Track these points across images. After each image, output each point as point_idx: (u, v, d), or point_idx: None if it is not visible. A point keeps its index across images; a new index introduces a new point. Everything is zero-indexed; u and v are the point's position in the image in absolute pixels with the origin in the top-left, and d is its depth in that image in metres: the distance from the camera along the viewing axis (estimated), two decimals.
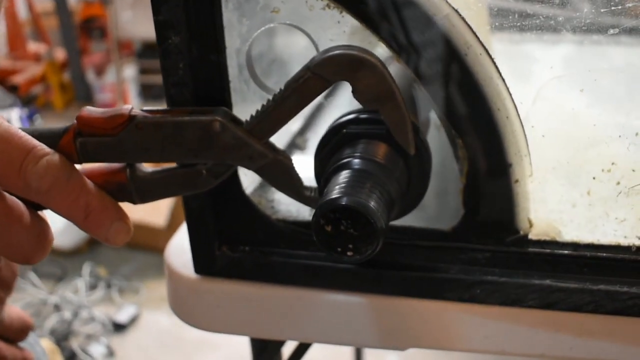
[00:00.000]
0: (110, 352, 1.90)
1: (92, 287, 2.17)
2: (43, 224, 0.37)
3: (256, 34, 0.41)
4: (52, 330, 1.93)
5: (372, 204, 0.35)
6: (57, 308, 2.05)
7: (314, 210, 0.36)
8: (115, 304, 2.11)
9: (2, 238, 0.35)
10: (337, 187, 0.36)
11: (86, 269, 2.20)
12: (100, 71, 3.74)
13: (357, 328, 0.44)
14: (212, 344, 1.92)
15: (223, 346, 1.90)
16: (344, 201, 0.34)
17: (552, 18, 0.40)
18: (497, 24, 0.42)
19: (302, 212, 0.47)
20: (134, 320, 2.04)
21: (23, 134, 0.35)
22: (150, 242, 2.25)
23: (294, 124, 0.65)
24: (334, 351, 1.72)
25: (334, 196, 0.35)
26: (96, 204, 0.37)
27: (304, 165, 0.53)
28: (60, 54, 3.86)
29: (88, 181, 0.37)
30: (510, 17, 0.41)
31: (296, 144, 0.63)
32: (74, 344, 1.90)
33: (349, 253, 0.36)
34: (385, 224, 0.35)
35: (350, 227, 0.37)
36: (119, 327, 2.00)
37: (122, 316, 2.03)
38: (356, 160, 0.38)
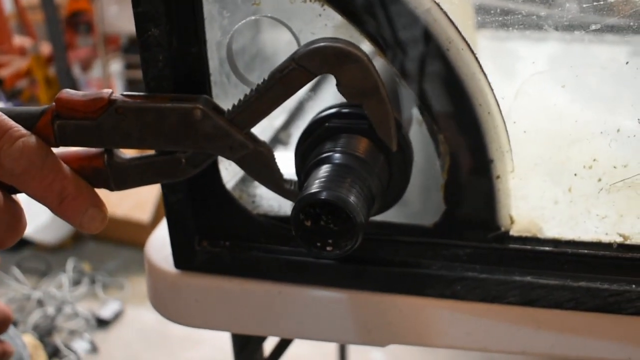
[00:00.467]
0: (94, 348, 1.89)
1: (76, 282, 2.15)
2: (16, 208, 0.36)
3: (237, 27, 0.40)
4: (35, 326, 1.92)
5: (351, 198, 0.34)
6: (40, 303, 2.03)
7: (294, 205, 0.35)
8: (99, 300, 2.09)
9: None
10: (317, 181, 0.36)
11: (70, 264, 2.18)
12: (86, 66, 3.71)
13: (337, 324, 0.44)
14: (196, 340, 1.91)
15: (207, 342, 1.90)
16: (323, 195, 0.34)
17: (535, 15, 0.40)
18: (480, 19, 0.42)
19: (284, 207, 0.47)
20: (117, 316, 2.03)
21: (2, 115, 0.34)
22: (134, 238, 2.23)
23: (278, 119, 0.65)
24: (319, 349, 1.72)
25: (313, 190, 0.35)
26: (71, 189, 0.36)
27: (287, 161, 0.53)
28: (45, 48, 3.82)
29: (64, 166, 0.36)
30: (493, 12, 0.41)
31: (279, 138, 0.62)
32: (57, 339, 1.89)
33: (328, 248, 0.36)
34: (365, 219, 0.35)
35: (330, 222, 0.36)
36: (102, 323, 1.99)
37: (106, 312, 2.01)
38: (337, 155, 0.38)
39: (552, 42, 0.40)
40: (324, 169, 0.37)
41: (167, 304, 0.48)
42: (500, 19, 0.41)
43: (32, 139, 0.35)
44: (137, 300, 2.10)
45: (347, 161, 0.37)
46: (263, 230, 0.44)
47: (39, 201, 0.36)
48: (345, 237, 0.35)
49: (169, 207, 0.43)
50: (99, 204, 0.37)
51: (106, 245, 2.34)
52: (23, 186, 0.35)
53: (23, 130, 0.35)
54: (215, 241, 0.45)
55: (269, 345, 0.62)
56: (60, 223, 2.26)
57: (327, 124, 0.40)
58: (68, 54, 3.75)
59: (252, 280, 0.45)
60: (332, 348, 1.53)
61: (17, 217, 0.36)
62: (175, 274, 0.46)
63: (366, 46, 0.46)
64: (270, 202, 0.47)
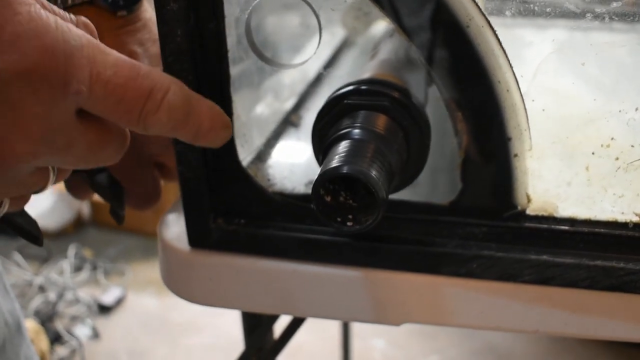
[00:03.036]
0: (95, 334, 1.90)
1: (78, 268, 2.16)
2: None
3: (256, 2, 0.40)
4: (37, 312, 1.92)
5: (373, 173, 0.34)
6: (42, 289, 2.03)
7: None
8: (101, 286, 2.10)
9: (97, 159, 0.34)
10: (337, 156, 0.36)
11: (72, 250, 2.18)
12: None
13: (352, 302, 0.44)
14: (198, 326, 1.92)
15: (209, 328, 1.90)
16: (345, 170, 0.34)
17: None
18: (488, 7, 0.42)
19: (298, 186, 0.47)
20: (119, 302, 2.03)
21: (140, 67, 0.33)
22: (136, 225, 2.23)
23: (288, 102, 0.65)
24: (322, 335, 1.72)
25: (334, 165, 0.35)
26: (206, 124, 0.36)
27: (298, 151, 0.53)
28: None
29: (199, 101, 0.36)
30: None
31: (290, 120, 0.62)
32: (59, 325, 1.89)
33: (349, 223, 0.36)
34: (386, 195, 0.35)
35: (349, 198, 0.37)
36: (104, 309, 2.00)
37: (108, 298, 2.02)
38: (356, 131, 0.38)
39: (565, 27, 0.40)
40: (344, 145, 0.37)
41: (181, 283, 0.48)
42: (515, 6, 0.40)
43: (175, 95, 0.33)
44: (139, 286, 2.10)
45: (367, 137, 0.37)
46: (279, 208, 0.44)
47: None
48: (366, 212, 0.35)
49: (184, 184, 0.43)
50: (226, 124, 0.37)
51: (108, 232, 2.35)
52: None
53: (164, 83, 0.33)
54: (231, 219, 0.45)
55: (278, 328, 0.63)
56: (61, 209, 2.26)
57: (345, 101, 0.40)
58: None
59: (267, 258, 0.45)
60: (335, 335, 1.53)
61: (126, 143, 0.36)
62: (189, 252, 0.46)
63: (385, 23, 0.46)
64: (284, 181, 0.47)
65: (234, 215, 0.45)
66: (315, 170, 0.44)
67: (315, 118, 0.41)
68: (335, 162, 0.35)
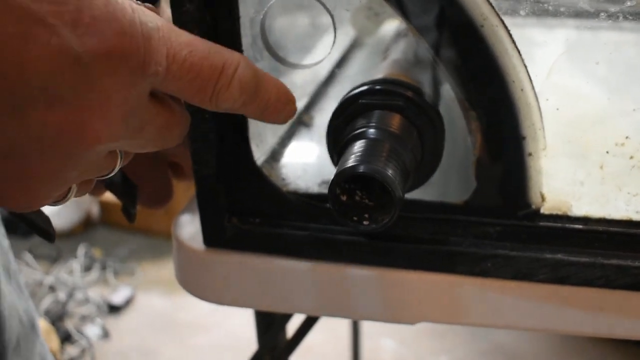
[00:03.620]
0: (105, 333, 1.91)
1: (87, 268, 2.17)
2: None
3: (271, 3, 0.40)
4: (47, 311, 1.93)
5: (389, 172, 0.35)
6: (52, 289, 2.04)
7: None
8: (110, 286, 2.10)
9: (164, 141, 0.35)
10: (353, 155, 0.36)
11: (81, 250, 2.19)
12: None
13: (367, 301, 0.44)
14: (206, 326, 1.92)
15: (217, 328, 1.91)
16: (361, 169, 0.34)
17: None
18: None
19: (312, 186, 0.47)
20: (128, 302, 2.04)
21: (210, 44, 0.34)
22: (146, 225, 2.24)
23: (300, 101, 0.65)
24: (332, 335, 1.73)
25: (351, 164, 0.35)
26: (272, 100, 0.36)
27: (310, 150, 0.53)
28: None
29: (267, 78, 0.36)
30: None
31: (302, 120, 0.63)
32: (69, 324, 1.90)
33: (365, 222, 0.36)
34: (402, 194, 0.35)
35: (365, 197, 0.37)
36: (113, 309, 2.01)
37: (117, 298, 2.03)
38: (371, 130, 0.38)
39: (583, 23, 0.40)
40: (359, 144, 0.37)
41: (195, 282, 0.48)
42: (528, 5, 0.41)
43: (245, 70, 0.34)
44: (148, 286, 2.11)
45: (382, 136, 0.37)
46: (293, 207, 0.44)
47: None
48: (382, 211, 0.36)
49: (200, 183, 0.44)
50: (291, 99, 0.38)
51: (117, 232, 2.35)
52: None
53: (235, 58, 0.34)
54: (245, 218, 0.45)
55: (291, 328, 0.63)
56: (71, 209, 2.27)
57: (360, 101, 0.40)
58: None
59: (282, 257, 0.45)
60: (344, 334, 1.54)
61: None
62: (204, 251, 0.46)
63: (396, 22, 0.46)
64: (297, 180, 0.47)
65: (248, 214, 0.45)
66: (328, 170, 0.45)
67: (330, 118, 0.41)
68: (351, 162, 0.35)
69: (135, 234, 2.32)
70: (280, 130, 0.54)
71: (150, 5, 0.34)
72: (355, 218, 0.36)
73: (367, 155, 0.36)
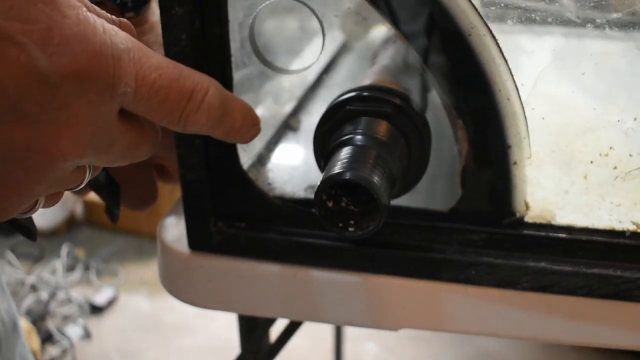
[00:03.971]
0: (87, 334, 1.89)
1: (70, 268, 2.15)
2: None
3: (260, 8, 0.40)
4: (29, 311, 1.91)
5: (375, 179, 0.35)
6: (34, 288, 2.03)
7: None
8: (93, 286, 2.09)
9: (133, 157, 0.36)
10: (339, 162, 0.36)
11: (64, 250, 2.18)
12: None
13: (351, 307, 0.44)
14: (190, 327, 1.91)
15: (201, 330, 1.90)
16: (347, 175, 0.34)
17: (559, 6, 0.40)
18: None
19: (298, 191, 0.47)
20: (111, 302, 2.03)
21: (181, 68, 0.34)
22: (130, 225, 2.23)
23: (287, 105, 0.65)
24: (315, 339, 1.73)
25: (337, 171, 0.35)
26: (239, 123, 0.37)
27: (297, 155, 0.53)
28: None
29: (233, 100, 0.37)
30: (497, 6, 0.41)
31: (289, 124, 0.63)
32: (51, 324, 1.88)
33: (350, 229, 0.36)
34: (388, 201, 0.35)
35: (351, 203, 0.37)
36: (96, 309, 1.99)
37: (100, 298, 2.01)
38: (358, 137, 0.38)
39: (564, 34, 0.41)
40: (346, 151, 0.37)
41: (180, 285, 0.48)
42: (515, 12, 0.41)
43: (214, 96, 0.35)
44: (132, 287, 2.10)
45: (368, 143, 0.37)
46: (279, 212, 0.44)
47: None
48: (367, 218, 0.36)
49: (186, 187, 0.43)
50: (256, 122, 0.39)
51: (101, 232, 2.34)
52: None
53: (204, 82, 0.35)
54: (231, 222, 0.45)
55: (274, 332, 0.63)
56: (55, 208, 2.25)
57: (348, 107, 0.40)
58: None
59: (267, 262, 0.45)
60: (327, 338, 1.54)
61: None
62: (189, 254, 0.46)
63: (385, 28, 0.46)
64: (283, 185, 0.47)
65: (234, 218, 0.45)
66: (314, 175, 0.45)
67: (317, 123, 0.41)
68: (337, 168, 0.35)
69: (119, 234, 2.31)
70: (267, 135, 0.54)
71: (126, 22, 0.34)
72: (340, 224, 0.36)
73: (353, 161, 0.36)
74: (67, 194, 0.39)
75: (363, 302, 0.44)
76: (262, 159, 0.49)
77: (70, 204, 2.33)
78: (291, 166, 0.51)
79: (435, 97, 0.42)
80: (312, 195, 0.46)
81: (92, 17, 0.30)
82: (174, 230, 0.48)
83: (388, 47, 0.53)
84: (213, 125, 0.36)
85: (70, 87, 0.29)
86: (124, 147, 0.34)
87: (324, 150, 0.40)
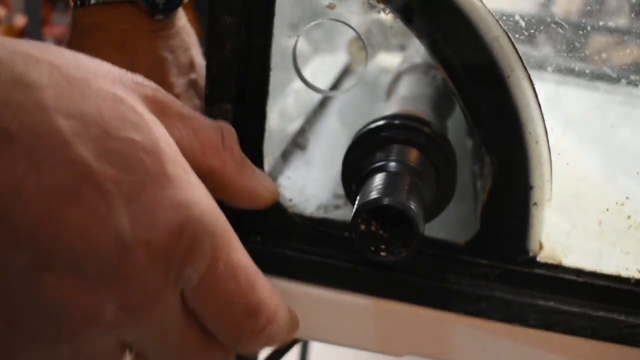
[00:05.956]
0: None
1: None
2: None
3: (306, 27, 0.41)
4: None
5: (412, 205, 0.35)
6: None
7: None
8: None
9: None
10: (375, 187, 0.36)
11: None
12: (59, 43, 3.63)
13: (358, 329, 0.45)
14: None
15: None
16: (386, 201, 0.35)
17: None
18: None
19: (308, 208, 0.47)
20: None
21: (257, 278, 0.32)
22: None
23: (294, 123, 0.65)
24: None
25: (375, 196, 0.35)
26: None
27: (306, 173, 0.54)
28: (20, 21, 3.73)
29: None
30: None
31: (297, 142, 0.63)
32: None
33: (382, 253, 0.37)
34: (423, 228, 0.36)
35: (380, 228, 0.37)
36: None
37: None
38: (392, 164, 0.39)
39: (601, 86, 0.42)
40: (380, 177, 0.38)
41: None
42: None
43: (278, 326, 0.33)
44: None
45: (402, 170, 0.38)
46: (297, 229, 0.44)
47: None
48: (397, 243, 0.36)
49: None
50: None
51: None
52: None
53: (274, 305, 0.33)
54: (248, 236, 0.45)
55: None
56: None
57: (381, 134, 0.41)
58: (43, 29, 3.66)
59: (280, 278, 0.45)
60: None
61: None
62: None
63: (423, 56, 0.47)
64: (302, 203, 0.47)
65: (251, 232, 0.45)
66: (324, 195, 0.45)
67: (347, 148, 0.42)
68: (375, 193, 0.36)
69: None
70: (277, 151, 0.54)
71: (228, 127, 0.34)
72: (372, 248, 0.37)
73: (390, 187, 0.36)
74: None
75: (371, 325, 0.45)
76: (274, 175, 0.50)
77: None
78: (301, 185, 0.51)
79: (459, 132, 0.43)
80: (326, 215, 0.47)
81: (194, 179, 0.28)
82: None
83: (409, 77, 0.54)
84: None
85: (140, 254, 0.26)
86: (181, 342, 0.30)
87: (354, 176, 0.40)
